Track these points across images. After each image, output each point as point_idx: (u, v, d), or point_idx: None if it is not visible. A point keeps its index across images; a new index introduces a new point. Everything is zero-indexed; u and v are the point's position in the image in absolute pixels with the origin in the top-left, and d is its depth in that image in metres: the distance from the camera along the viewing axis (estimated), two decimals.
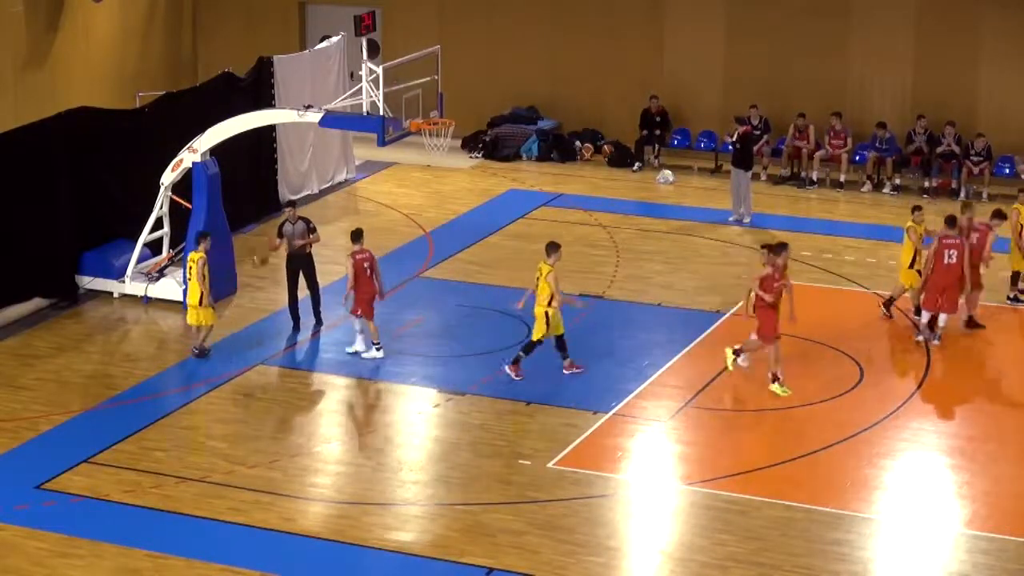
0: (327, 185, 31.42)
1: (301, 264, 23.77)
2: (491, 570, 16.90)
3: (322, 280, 24.17)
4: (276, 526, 17.80)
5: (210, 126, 24.58)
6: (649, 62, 33.88)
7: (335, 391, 21.85)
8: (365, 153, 32.55)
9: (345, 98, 25.18)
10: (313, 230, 23.80)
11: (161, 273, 24.95)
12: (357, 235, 22.75)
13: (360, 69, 24.13)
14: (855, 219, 30.12)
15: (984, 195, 30.92)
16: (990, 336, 23.75)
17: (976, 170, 31.17)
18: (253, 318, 24.30)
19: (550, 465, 19.34)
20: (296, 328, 23.77)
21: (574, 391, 21.54)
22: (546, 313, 21.64)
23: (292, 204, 24.51)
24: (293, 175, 30.34)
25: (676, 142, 33.69)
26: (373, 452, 19.87)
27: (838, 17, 32.51)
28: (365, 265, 22.47)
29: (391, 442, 20.21)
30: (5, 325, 23.76)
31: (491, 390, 21.56)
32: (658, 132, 33.14)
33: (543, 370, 22.21)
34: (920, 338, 23.26)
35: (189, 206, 24.72)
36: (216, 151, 24.88)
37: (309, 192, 30.57)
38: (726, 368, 21.74)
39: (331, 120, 24.47)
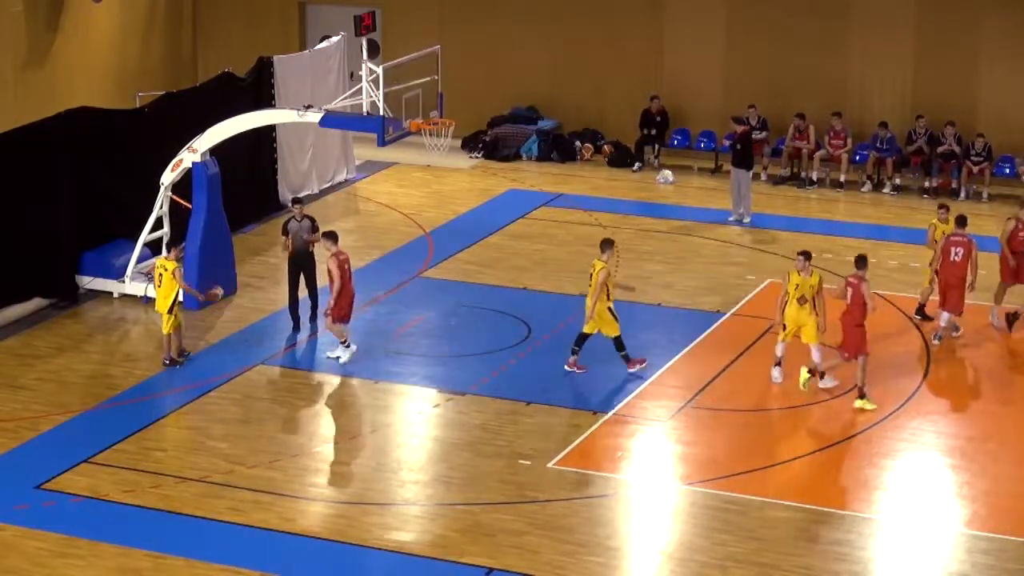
0: (327, 185, 31.42)
1: (304, 263, 23.76)
2: (491, 570, 16.90)
3: (321, 280, 24.15)
4: (276, 526, 17.80)
5: (210, 126, 24.58)
6: (649, 62, 33.88)
7: (335, 391, 21.85)
8: (365, 153, 32.55)
9: (345, 98, 25.17)
10: (316, 229, 23.80)
11: None
12: (335, 236, 22.58)
13: (360, 69, 24.13)
14: (855, 219, 30.13)
15: (984, 195, 30.95)
16: (990, 336, 23.74)
17: (976, 170, 31.17)
18: (253, 318, 24.30)
19: (550, 465, 19.34)
20: (296, 328, 23.77)
21: (574, 391, 21.54)
22: (609, 308, 21.71)
23: (299, 202, 24.46)
24: (293, 175, 30.33)
25: (676, 142, 33.69)
26: (373, 452, 19.87)
27: (838, 17, 32.51)
28: (347, 267, 22.33)
29: (391, 442, 20.21)
30: (5, 325, 23.76)
31: (491, 390, 21.56)
32: (653, 132, 33.11)
33: (543, 370, 22.22)
34: (933, 339, 23.24)
35: (189, 206, 24.72)
36: (216, 151, 24.88)
37: (309, 192, 30.55)
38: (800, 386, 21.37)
39: (331, 120, 24.47)
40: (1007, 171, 31.56)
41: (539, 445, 19.85)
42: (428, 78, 24.81)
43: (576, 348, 22.04)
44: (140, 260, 25.06)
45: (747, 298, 25.20)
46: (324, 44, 31.02)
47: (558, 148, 34.00)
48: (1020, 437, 20.39)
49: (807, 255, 21.46)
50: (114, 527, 17.71)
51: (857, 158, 32.19)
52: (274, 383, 22.01)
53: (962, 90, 31.96)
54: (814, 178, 32.10)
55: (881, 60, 32.46)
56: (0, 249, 23.74)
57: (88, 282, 25.09)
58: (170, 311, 22.09)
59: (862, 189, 31.86)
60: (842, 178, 32.02)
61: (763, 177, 32.20)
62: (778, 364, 21.69)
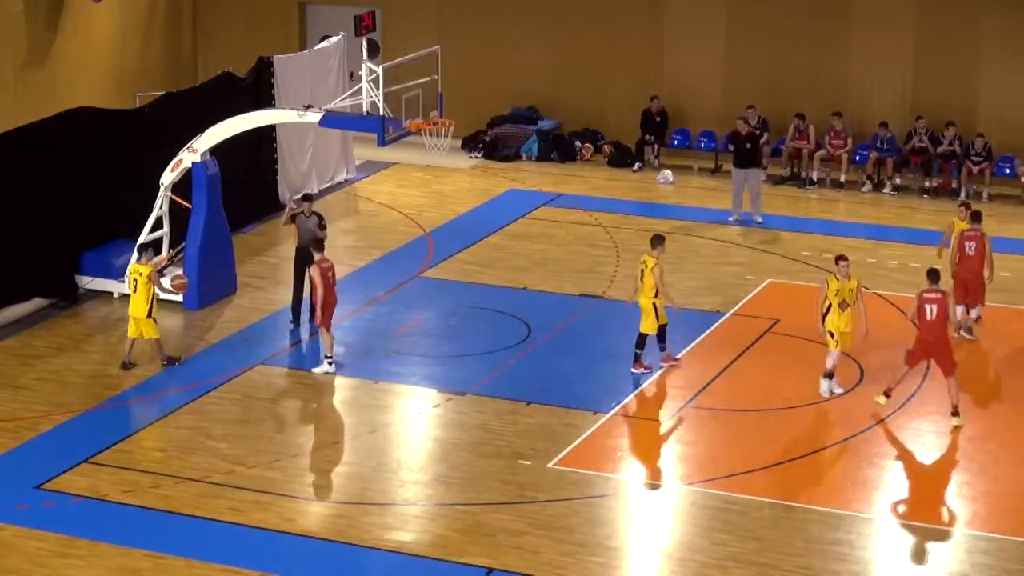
0: (327, 185, 31.41)
1: (309, 259, 23.70)
2: (491, 570, 16.89)
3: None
4: (276, 526, 17.80)
5: (210, 126, 24.58)
6: (649, 62, 33.88)
7: (335, 391, 21.84)
8: (365, 153, 32.55)
9: (345, 98, 25.17)
10: (324, 227, 23.81)
11: (161, 273, 24.93)
12: (320, 243, 22.50)
13: (360, 69, 24.13)
14: (855, 219, 30.13)
15: (984, 195, 30.93)
16: (990, 336, 23.73)
17: (976, 170, 31.17)
18: (253, 318, 24.29)
19: (550, 465, 19.33)
20: (295, 323, 23.74)
21: (574, 391, 21.53)
22: (654, 304, 21.73)
23: (308, 198, 24.45)
24: (293, 175, 30.33)
25: (676, 142, 33.69)
26: (373, 452, 19.86)
27: (838, 17, 32.51)
28: (331, 275, 22.25)
29: (391, 442, 20.20)
30: (5, 325, 23.75)
31: (491, 390, 21.56)
32: (651, 136, 33.09)
33: (543, 370, 22.22)
34: (961, 332, 23.27)
35: (189, 206, 24.72)
36: (216, 151, 24.88)
37: (309, 192, 30.51)
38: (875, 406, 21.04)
39: (331, 120, 24.47)
40: (1007, 171, 31.55)
41: (539, 445, 19.85)
42: (428, 78, 24.81)
43: (660, 344, 22.14)
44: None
45: (747, 298, 25.20)
46: (324, 44, 31.02)
47: (558, 148, 34.00)
48: (1020, 437, 20.39)
49: (846, 259, 21.26)
50: (114, 527, 17.71)
51: (857, 158, 32.18)
52: (274, 383, 22.01)
53: (962, 90, 31.95)
54: (814, 178, 32.10)
55: (881, 60, 32.46)
56: (0, 249, 23.75)
57: (88, 282, 25.09)
58: (149, 315, 21.99)
59: (862, 189, 31.86)
60: (842, 178, 32.01)
61: (763, 177, 32.17)
62: (830, 376, 21.26)
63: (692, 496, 18.64)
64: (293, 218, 23.86)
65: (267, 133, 29.18)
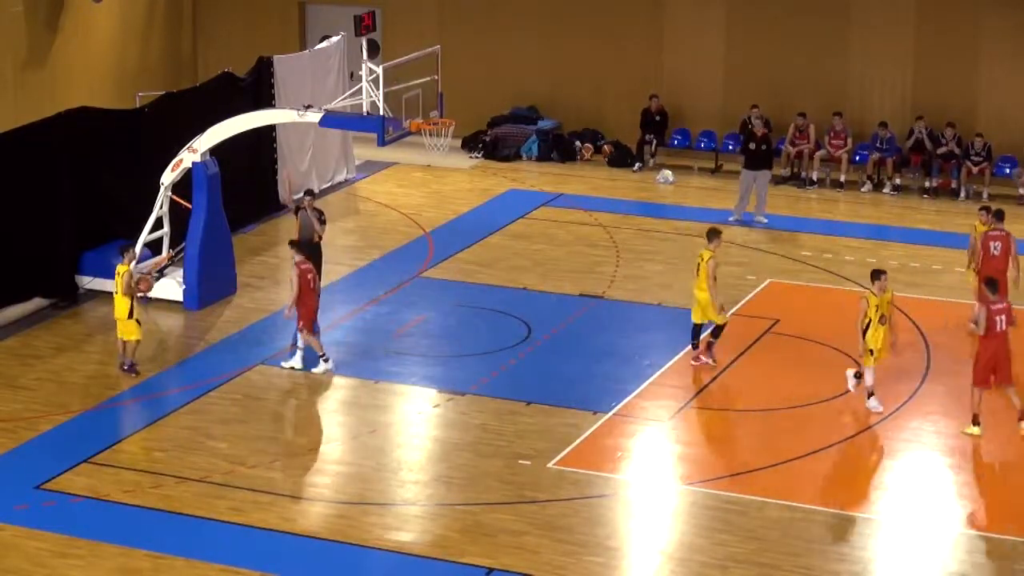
0: (327, 185, 31.41)
1: (310, 254, 23.71)
2: (491, 570, 16.89)
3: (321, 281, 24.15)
4: (276, 526, 17.80)
5: (210, 126, 24.58)
6: (649, 62, 33.89)
7: (335, 391, 21.84)
8: (365, 153, 32.55)
9: (345, 98, 25.17)
10: (324, 222, 23.83)
11: (161, 273, 24.94)
12: (300, 245, 22.47)
13: (360, 69, 24.12)
14: (855, 219, 30.13)
15: (984, 195, 30.93)
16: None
17: (976, 170, 31.18)
18: (253, 318, 24.29)
19: (550, 465, 19.33)
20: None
21: (574, 391, 21.53)
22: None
23: (311, 194, 24.46)
24: (293, 175, 30.30)
25: (676, 142, 33.70)
26: (373, 452, 19.86)
27: (838, 17, 32.51)
28: (309, 276, 22.18)
29: (391, 442, 20.20)
30: (5, 325, 23.75)
31: (491, 390, 21.56)
32: (651, 136, 33.08)
33: (543, 370, 22.22)
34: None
35: (189, 206, 24.72)
36: (216, 151, 24.88)
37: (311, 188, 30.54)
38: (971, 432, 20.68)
39: (331, 120, 24.47)
40: (1007, 171, 31.56)
41: (539, 445, 19.85)
42: (428, 78, 24.80)
43: (695, 343, 22.39)
44: (140, 260, 25.03)
45: (747, 298, 25.20)
46: (324, 44, 31.02)
47: (558, 148, 34.00)
48: (1020, 437, 20.37)
49: (885, 273, 21.00)
50: (114, 527, 17.71)
51: (857, 158, 32.19)
52: (274, 383, 22.01)
53: (962, 90, 31.96)
54: (814, 178, 32.11)
55: (881, 60, 32.46)
56: (0, 249, 23.74)
57: (88, 282, 25.08)
58: (130, 316, 21.84)
59: (862, 189, 31.87)
60: (842, 178, 32.02)
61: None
62: (872, 394, 20.95)
63: (692, 496, 18.64)
64: (296, 210, 23.93)
65: (267, 133, 29.18)
